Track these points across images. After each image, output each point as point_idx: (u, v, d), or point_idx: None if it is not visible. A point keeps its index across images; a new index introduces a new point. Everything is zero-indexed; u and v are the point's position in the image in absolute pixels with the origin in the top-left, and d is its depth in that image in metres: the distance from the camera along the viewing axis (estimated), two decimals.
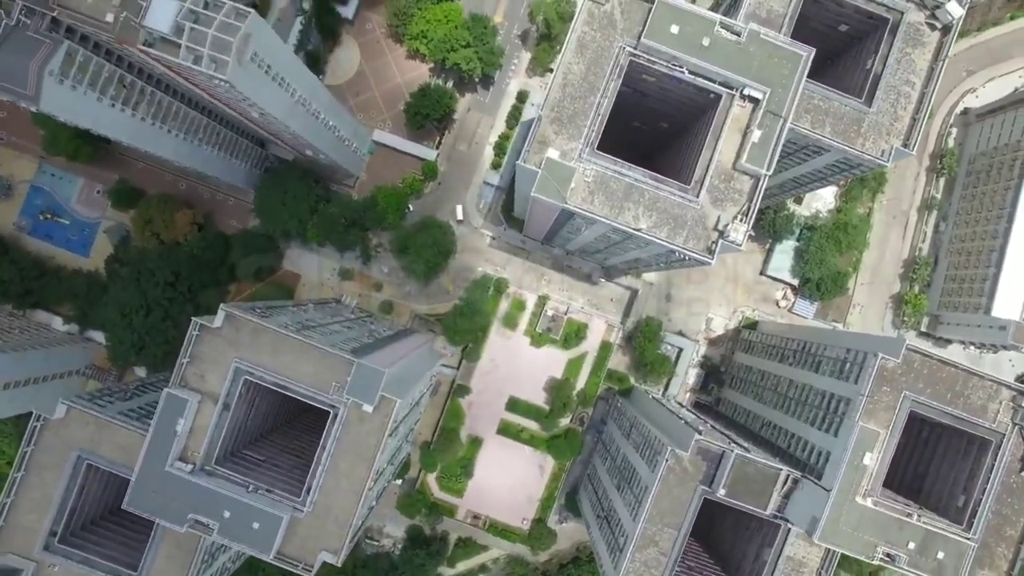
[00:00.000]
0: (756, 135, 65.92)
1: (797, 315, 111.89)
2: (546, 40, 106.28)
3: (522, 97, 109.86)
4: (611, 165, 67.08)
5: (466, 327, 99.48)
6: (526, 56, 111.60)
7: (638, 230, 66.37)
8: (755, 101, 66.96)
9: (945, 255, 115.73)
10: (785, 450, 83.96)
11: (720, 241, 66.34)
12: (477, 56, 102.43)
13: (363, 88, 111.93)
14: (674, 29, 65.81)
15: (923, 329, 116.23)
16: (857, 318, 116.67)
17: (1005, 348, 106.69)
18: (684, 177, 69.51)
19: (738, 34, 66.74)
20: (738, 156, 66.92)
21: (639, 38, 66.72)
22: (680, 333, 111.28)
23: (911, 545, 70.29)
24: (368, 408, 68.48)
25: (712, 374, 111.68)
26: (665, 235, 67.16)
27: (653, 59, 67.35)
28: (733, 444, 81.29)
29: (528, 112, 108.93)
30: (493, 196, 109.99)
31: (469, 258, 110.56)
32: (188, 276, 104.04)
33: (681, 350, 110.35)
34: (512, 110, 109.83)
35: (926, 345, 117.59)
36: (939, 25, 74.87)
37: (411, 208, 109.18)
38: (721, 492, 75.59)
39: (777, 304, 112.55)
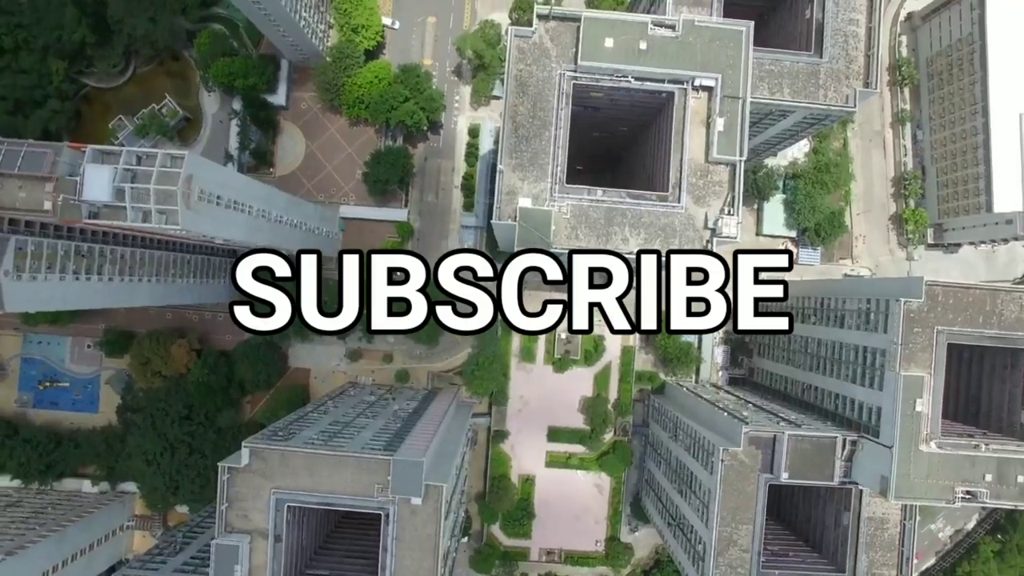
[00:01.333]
0: (719, 124, 64.38)
1: (804, 265, 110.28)
2: (481, 70, 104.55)
3: (474, 132, 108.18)
4: (586, 196, 65.53)
5: (486, 377, 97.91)
6: (466, 90, 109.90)
7: (630, 253, 64.79)
8: (709, 89, 65.45)
9: (931, 162, 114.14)
10: (834, 412, 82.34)
11: (714, 239, 64.76)
12: (419, 107, 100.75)
13: (316, 168, 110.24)
14: (608, 43, 64.26)
15: (930, 241, 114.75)
16: (863, 249, 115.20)
17: (1016, 239, 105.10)
18: (660, 183, 68.01)
19: (672, 28, 65.19)
20: (708, 149, 65.38)
21: (576, 60, 65.18)
22: None
23: (988, 477, 68.75)
24: (417, 501, 67.05)
25: (738, 347, 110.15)
26: (657, 247, 65.60)
27: (596, 77, 65.80)
28: (781, 422, 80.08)
29: (485, 143, 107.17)
30: (475, 237, 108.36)
31: None
32: (201, 405, 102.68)
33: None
34: (468, 148, 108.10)
35: (937, 255, 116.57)
36: None
37: None
38: (784, 476, 74.29)
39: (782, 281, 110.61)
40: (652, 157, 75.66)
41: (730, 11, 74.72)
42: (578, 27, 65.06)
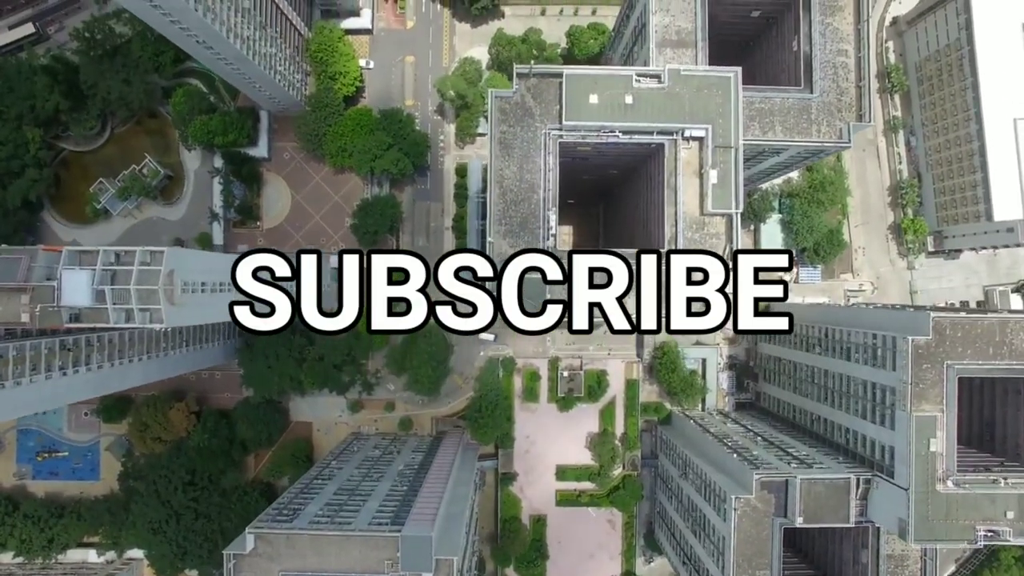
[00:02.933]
0: (712, 176, 62.64)
1: (805, 283, 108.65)
2: (464, 108, 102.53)
3: (461, 172, 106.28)
4: (581, 259, 63.60)
5: (489, 424, 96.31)
6: (451, 128, 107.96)
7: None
8: (699, 139, 63.64)
9: (927, 169, 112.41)
10: (844, 447, 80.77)
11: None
12: (403, 153, 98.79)
13: (304, 218, 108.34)
14: (593, 99, 62.50)
15: (930, 249, 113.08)
16: (863, 261, 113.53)
17: (1019, 245, 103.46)
18: (655, 237, 66.27)
19: (658, 78, 63.35)
20: (702, 201, 63.63)
21: (561, 117, 63.37)
22: (698, 343, 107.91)
23: (1010, 515, 67.24)
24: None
25: (743, 372, 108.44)
26: None
27: (583, 134, 63.98)
28: (792, 462, 78.49)
29: (473, 182, 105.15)
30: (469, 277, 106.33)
31: (468, 347, 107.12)
32: (204, 468, 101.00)
33: (705, 359, 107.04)
34: (457, 188, 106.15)
35: (938, 261, 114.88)
36: None
37: None
38: (799, 521, 72.86)
39: (781, 280, 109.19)
40: (645, 202, 73.88)
41: (715, 43, 73.28)
42: (560, 83, 63.27)
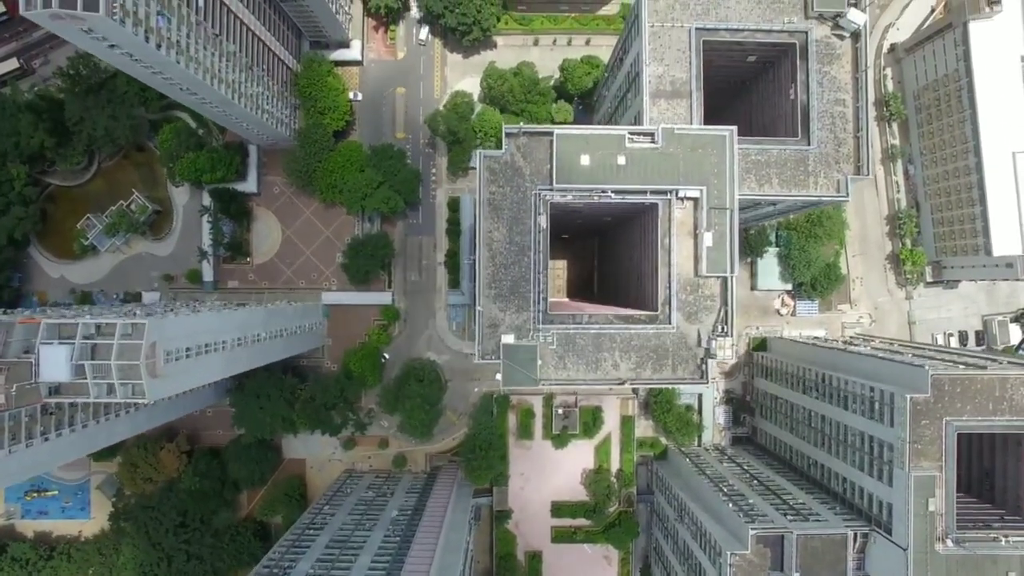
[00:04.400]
0: (707, 239, 61.21)
1: (802, 316, 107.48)
2: (456, 144, 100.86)
3: (453, 206, 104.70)
4: (572, 324, 62.38)
5: (483, 466, 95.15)
6: (442, 161, 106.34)
7: (620, 380, 61.89)
8: (694, 199, 62.23)
9: (925, 199, 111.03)
10: (842, 495, 79.81)
11: (707, 360, 61.79)
12: (394, 191, 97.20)
13: (294, 254, 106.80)
14: (584, 160, 60.97)
15: (929, 279, 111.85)
16: (861, 291, 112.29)
17: (1018, 280, 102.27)
18: (648, 299, 64.94)
19: (652, 136, 61.84)
20: (696, 263, 62.27)
21: (552, 176, 61.83)
22: None
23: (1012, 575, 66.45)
24: None
25: (740, 406, 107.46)
26: (649, 372, 62.62)
27: (574, 194, 62.48)
28: (788, 514, 77.41)
29: (465, 216, 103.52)
30: (463, 314, 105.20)
31: (461, 383, 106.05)
32: (195, 509, 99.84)
33: (701, 395, 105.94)
34: (449, 222, 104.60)
35: (936, 291, 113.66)
36: (847, 34, 69.74)
37: (387, 357, 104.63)
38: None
39: (778, 313, 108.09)
40: (639, 253, 72.37)
41: (711, 84, 71.71)
42: (551, 141, 61.71)
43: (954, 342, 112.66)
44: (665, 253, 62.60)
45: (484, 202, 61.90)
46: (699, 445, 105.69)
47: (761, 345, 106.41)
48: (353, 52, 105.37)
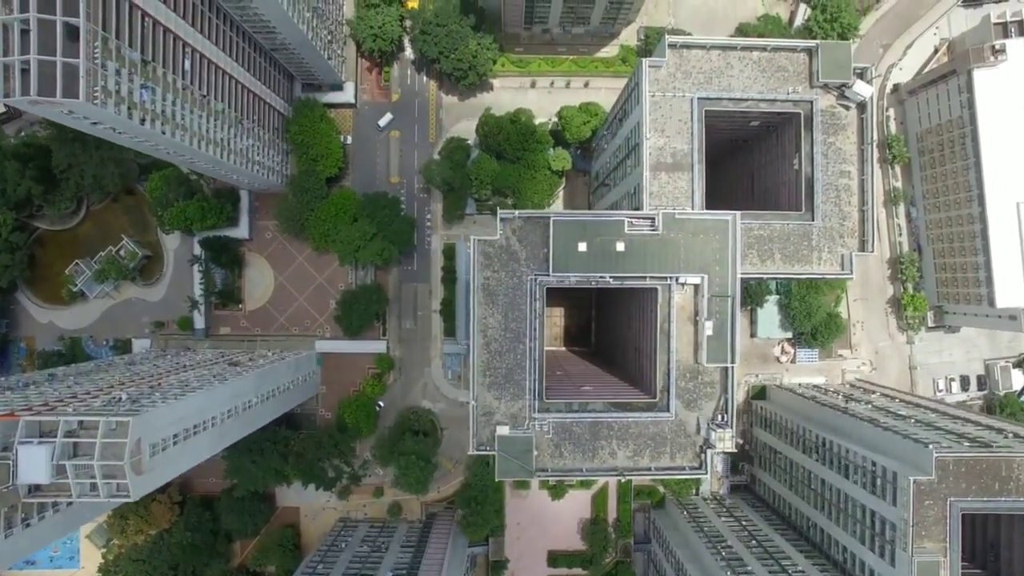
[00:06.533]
0: (708, 328, 59.65)
1: (802, 364, 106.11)
2: (451, 192, 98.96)
3: (449, 252, 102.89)
4: (568, 413, 60.86)
5: (479, 523, 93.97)
6: (438, 207, 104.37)
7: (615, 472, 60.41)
8: (695, 285, 60.60)
9: (927, 243, 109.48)
10: (842, 564, 78.68)
11: (707, 451, 60.39)
12: (388, 241, 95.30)
13: (287, 301, 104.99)
14: (582, 247, 59.31)
15: (930, 324, 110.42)
16: (862, 336, 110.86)
17: (1022, 331, 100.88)
18: (646, 378, 63.44)
19: (651, 220, 60.13)
20: (696, 350, 60.74)
21: (549, 262, 60.12)
22: None
23: None
24: None
25: (738, 454, 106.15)
26: (647, 460, 61.20)
27: (572, 282, 60.85)
28: None
29: (461, 263, 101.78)
30: (459, 363, 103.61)
31: (457, 430, 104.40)
32: (187, 562, 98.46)
33: None
34: (444, 270, 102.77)
35: (938, 335, 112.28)
36: (852, 104, 67.97)
37: (382, 405, 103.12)
38: None
39: (778, 360, 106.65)
40: (638, 327, 70.85)
41: (711, 145, 69.99)
42: (548, 224, 60.00)
43: (956, 387, 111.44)
44: (664, 338, 61.04)
45: (479, 288, 60.20)
46: (697, 494, 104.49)
47: (760, 393, 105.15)
48: (346, 95, 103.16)
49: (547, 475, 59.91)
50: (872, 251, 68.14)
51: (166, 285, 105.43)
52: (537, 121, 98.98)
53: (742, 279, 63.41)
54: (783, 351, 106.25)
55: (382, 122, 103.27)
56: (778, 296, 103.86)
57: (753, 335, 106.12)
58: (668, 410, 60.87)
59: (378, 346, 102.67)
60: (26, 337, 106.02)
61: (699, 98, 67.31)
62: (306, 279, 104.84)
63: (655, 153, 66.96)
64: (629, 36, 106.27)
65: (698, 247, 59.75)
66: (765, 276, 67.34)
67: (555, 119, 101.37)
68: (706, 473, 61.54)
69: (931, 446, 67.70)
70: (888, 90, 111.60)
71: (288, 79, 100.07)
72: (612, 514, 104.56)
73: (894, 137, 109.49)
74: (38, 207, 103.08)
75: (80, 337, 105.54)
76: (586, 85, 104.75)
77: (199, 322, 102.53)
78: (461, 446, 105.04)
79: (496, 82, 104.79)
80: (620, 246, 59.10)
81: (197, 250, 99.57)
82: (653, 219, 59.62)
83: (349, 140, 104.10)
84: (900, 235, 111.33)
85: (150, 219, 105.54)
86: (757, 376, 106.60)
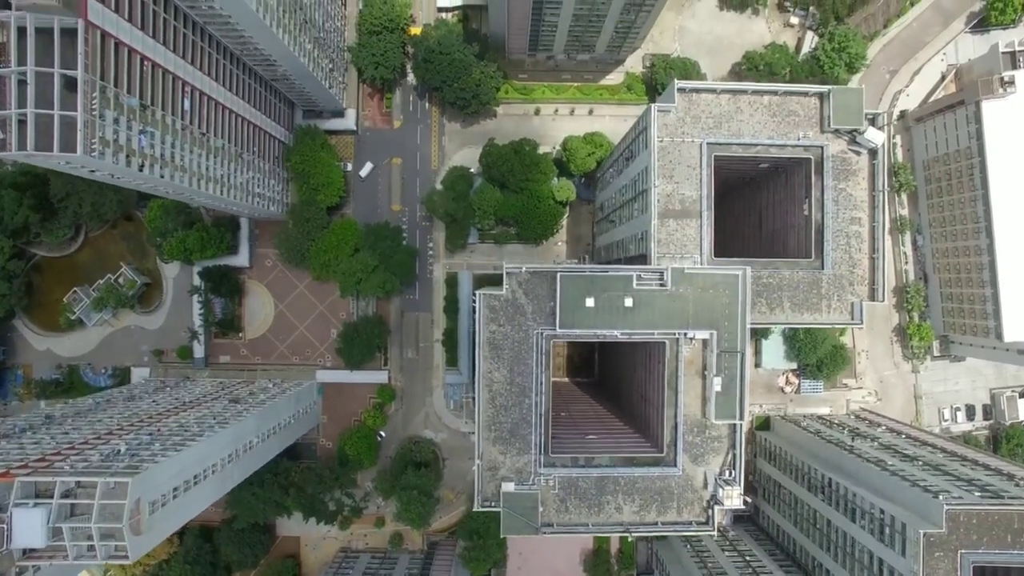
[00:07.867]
0: (716, 384, 58.70)
1: (807, 395, 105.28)
2: (454, 223, 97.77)
3: (451, 282, 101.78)
4: (574, 468, 59.93)
5: (483, 557, 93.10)
6: (440, 236, 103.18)
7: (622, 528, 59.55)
8: (703, 340, 59.61)
9: (933, 271, 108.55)
10: None
11: (715, 506, 59.50)
12: (389, 272, 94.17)
13: (288, 329, 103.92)
14: (589, 302, 58.25)
15: (936, 353, 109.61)
16: (867, 365, 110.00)
17: None
18: (652, 429, 62.53)
19: (660, 275, 59.05)
20: (704, 405, 59.81)
21: (556, 316, 59.04)
22: None
23: None
24: None
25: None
26: (653, 514, 60.33)
27: (578, 337, 59.85)
28: None
29: (464, 293, 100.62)
30: (460, 393, 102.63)
31: (459, 460, 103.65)
32: None
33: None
34: (447, 300, 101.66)
35: (943, 364, 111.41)
36: (863, 151, 66.91)
37: (383, 435, 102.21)
38: None
39: (782, 391, 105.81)
40: (643, 377, 69.87)
41: (719, 181, 68.86)
42: (555, 278, 58.89)
43: (961, 416, 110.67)
44: (672, 393, 60.09)
45: (484, 342, 59.18)
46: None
47: (765, 424, 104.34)
48: (348, 121, 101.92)
49: (552, 531, 58.97)
50: (883, 300, 67.09)
51: (165, 313, 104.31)
52: (541, 150, 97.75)
53: (751, 327, 62.51)
54: (787, 381, 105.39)
55: (363, 172, 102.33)
56: (783, 327, 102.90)
57: (758, 365, 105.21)
58: (675, 465, 59.98)
59: (379, 376, 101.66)
60: (23, 364, 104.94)
61: (708, 143, 66.27)
62: (307, 307, 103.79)
63: (663, 200, 65.92)
64: (634, 63, 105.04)
65: (707, 301, 58.75)
66: (773, 325, 66.24)
67: (559, 148, 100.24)
68: (713, 529, 60.61)
69: (941, 495, 66.84)
70: (895, 117, 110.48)
71: (289, 107, 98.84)
72: (615, 546, 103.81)
73: (901, 165, 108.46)
74: (36, 234, 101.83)
75: (78, 365, 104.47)
76: (590, 112, 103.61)
77: (199, 351, 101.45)
78: (463, 476, 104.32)
79: (500, 109, 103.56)
80: (628, 301, 58.09)
81: (197, 280, 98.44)
82: (662, 274, 58.55)
83: (350, 167, 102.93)
84: (906, 263, 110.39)
85: (149, 246, 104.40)
86: (761, 406, 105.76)
